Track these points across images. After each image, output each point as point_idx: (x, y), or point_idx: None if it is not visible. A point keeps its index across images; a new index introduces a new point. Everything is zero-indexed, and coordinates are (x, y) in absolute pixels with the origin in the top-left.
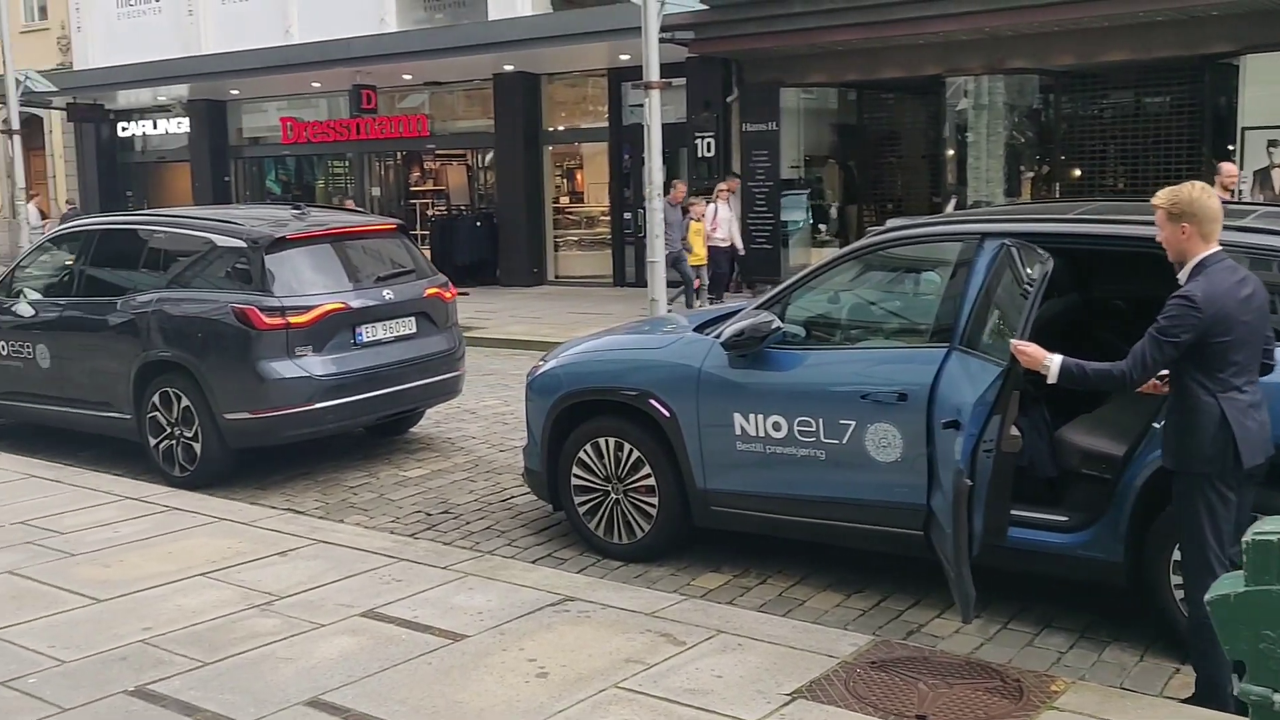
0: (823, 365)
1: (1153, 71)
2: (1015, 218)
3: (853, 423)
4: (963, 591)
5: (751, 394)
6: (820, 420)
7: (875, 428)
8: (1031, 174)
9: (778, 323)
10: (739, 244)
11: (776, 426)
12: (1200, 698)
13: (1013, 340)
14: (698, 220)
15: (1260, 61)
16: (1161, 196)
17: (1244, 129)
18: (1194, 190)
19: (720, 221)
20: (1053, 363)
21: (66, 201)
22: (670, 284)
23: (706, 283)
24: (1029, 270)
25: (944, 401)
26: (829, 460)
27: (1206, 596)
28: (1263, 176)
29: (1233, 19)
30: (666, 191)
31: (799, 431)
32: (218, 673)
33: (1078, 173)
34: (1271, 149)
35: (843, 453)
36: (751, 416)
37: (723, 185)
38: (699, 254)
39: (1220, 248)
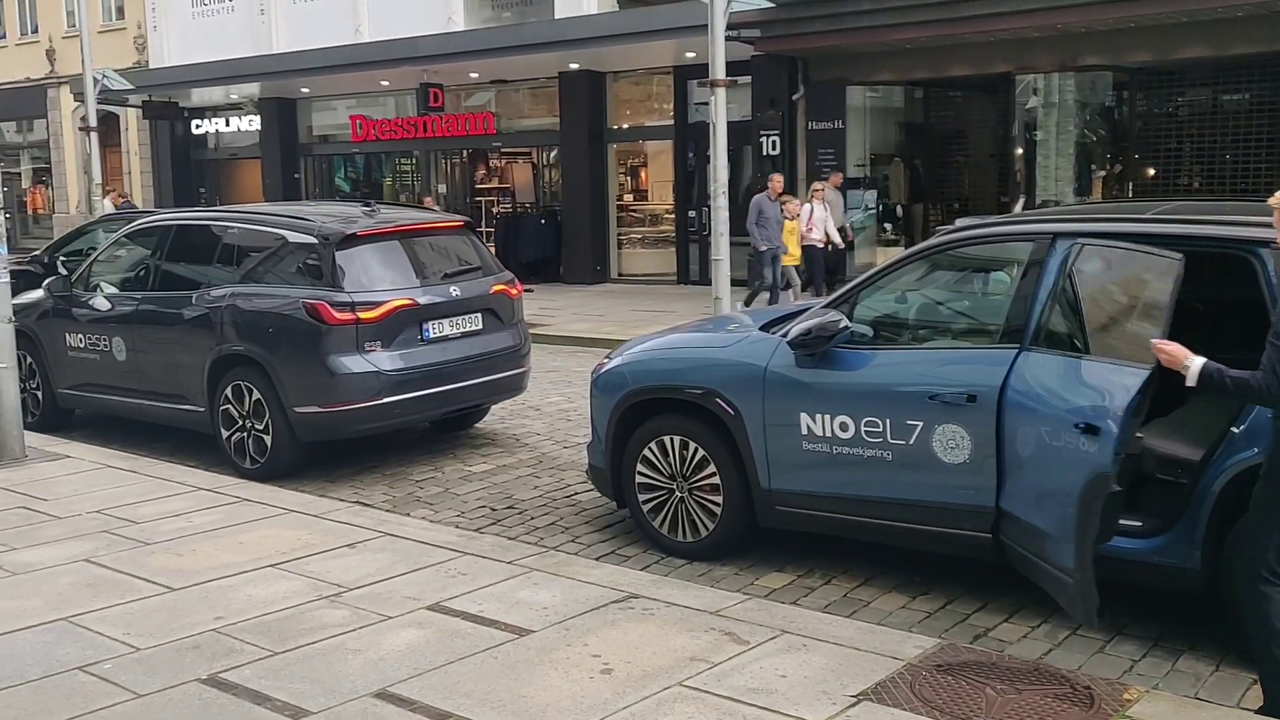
0: (890, 365)
1: (1231, 68)
2: (1088, 217)
3: (920, 423)
4: (1087, 598)
5: (818, 394)
6: (887, 421)
7: (943, 429)
8: (1103, 173)
9: (846, 322)
10: (839, 241)
11: (844, 426)
12: (1271, 708)
13: (1154, 339)
14: (791, 219)
15: None
16: (1278, 197)
17: None
18: None
19: (816, 221)
20: (1193, 364)
21: (120, 194)
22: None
23: (798, 284)
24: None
25: (1042, 401)
26: (896, 461)
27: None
28: None
29: None
30: (763, 186)
31: (866, 432)
32: (287, 662)
33: (1152, 172)
34: None
35: (910, 454)
36: (818, 416)
37: (817, 185)
38: (794, 254)
39: None
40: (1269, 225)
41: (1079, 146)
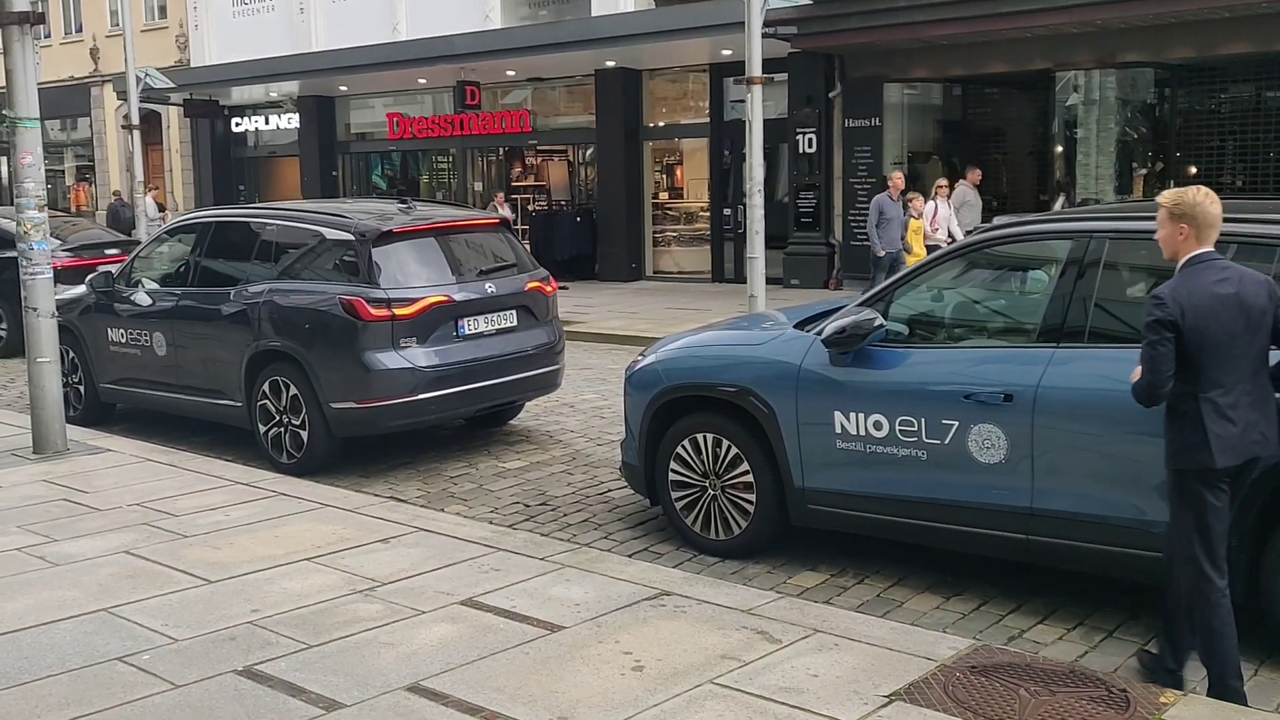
0: (926, 364)
1: (1274, 64)
2: (1125, 215)
3: (955, 423)
4: None
5: (852, 392)
6: (922, 420)
7: (978, 428)
8: (1144, 171)
9: (880, 320)
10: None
11: (878, 425)
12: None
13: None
14: (916, 218)
15: None
16: (1166, 196)
17: None
18: (1198, 194)
19: (940, 220)
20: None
21: (114, 193)
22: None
23: None
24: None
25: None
26: (930, 461)
27: None
28: None
29: None
30: (883, 187)
31: (900, 431)
32: (322, 655)
33: (1194, 170)
34: None
35: (945, 453)
36: (852, 415)
37: (941, 182)
38: (918, 253)
39: (1212, 249)
40: None
41: (1119, 144)
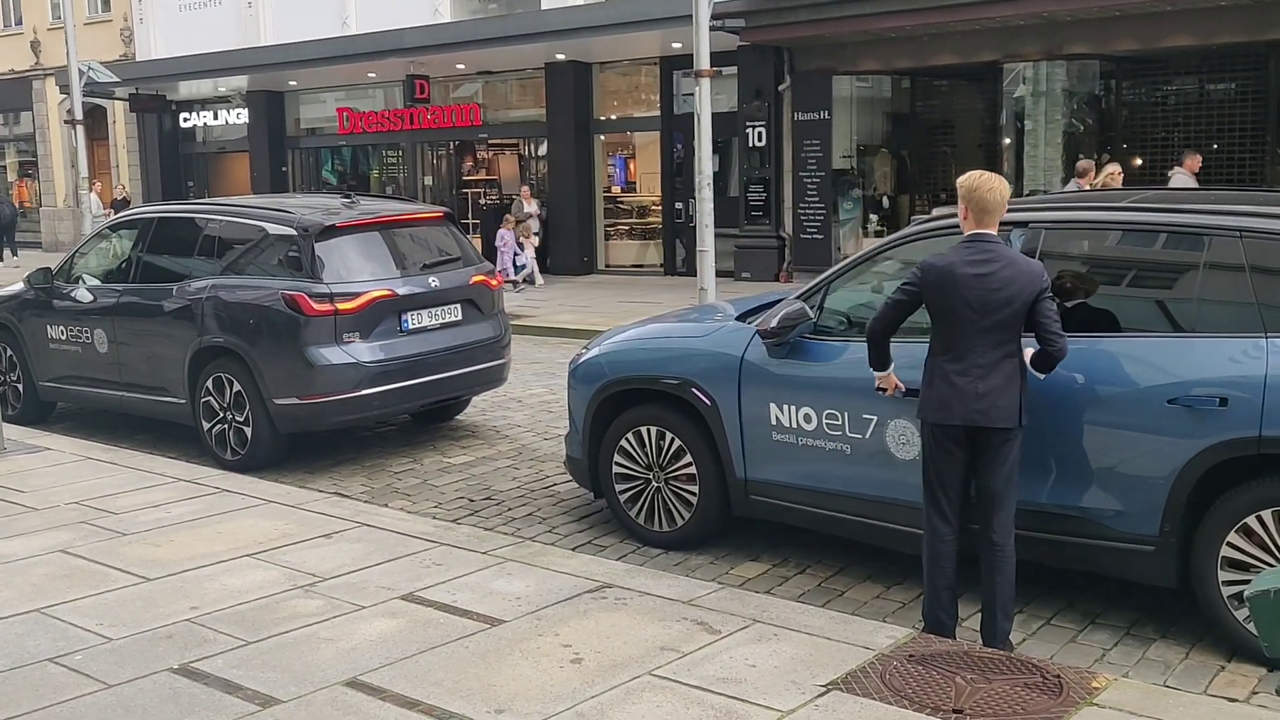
0: (851, 358)
1: (1217, 57)
2: (1057, 206)
3: (874, 418)
4: None
5: (786, 385)
6: (846, 414)
7: (895, 424)
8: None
9: (808, 312)
10: None
11: (807, 418)
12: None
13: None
14: None
15: None
16: (960, 179)
17: None
18: (979, 179)
19: None
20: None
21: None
22: None
23: None
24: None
25: None
26: (854, 455)
27: (1246, 592)
28: None
29: None
30: (834, 180)
31: (827, 425)
32: (260, 652)
33: (1139, 161)
34: None
35: (866, 448)
36: (785, 407)
37: (1113, 169)
38: None
39: (991, 233)
40: (1239, 213)
41: (1066, 135)
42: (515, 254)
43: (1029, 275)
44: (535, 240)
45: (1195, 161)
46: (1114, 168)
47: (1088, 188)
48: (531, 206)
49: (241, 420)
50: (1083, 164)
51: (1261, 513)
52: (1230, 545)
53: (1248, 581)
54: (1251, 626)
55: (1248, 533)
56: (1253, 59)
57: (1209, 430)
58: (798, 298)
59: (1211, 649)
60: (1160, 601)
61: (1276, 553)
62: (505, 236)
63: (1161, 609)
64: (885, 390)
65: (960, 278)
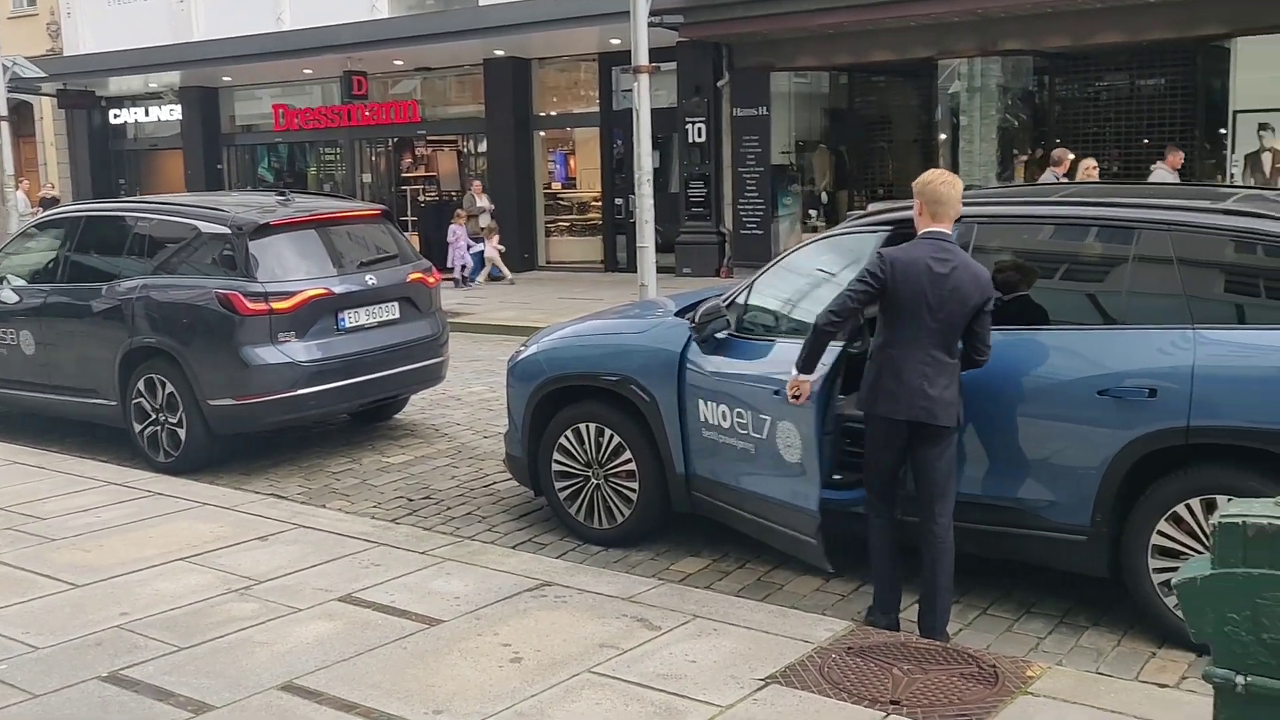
0: (759, 356)
1: (1146, 54)
2: (990, 200)
3: (768, 418)
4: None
5: (710, 381)
6: (750, 413)
7: (782, 425)
8: (1025, 157)
9: (721, 308)
10: None
11: (724, 416)
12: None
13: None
14: None
15: (1251, 45)
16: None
17: (1235, 112)
18: (932, 174)
19: None
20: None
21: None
22: None
23: None
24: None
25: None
26: (756, 455)
27: (1174, 580)
28: (1253, 160)
29: (1224, 2)
30: (772, 175)
31: (736, 423)
32: (193, 657)
33: (1072, 157)
34: (1262, 132)
35: (763, 448)
36: (710, 404)
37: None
38: None
39: (949, 231)
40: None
41: (1001, 131)
42: (468, 248)
43: (980, 282)
44: (496, 236)
45: (1178, 158)
46: (1090, 162)
47: (1063, 177)
48: (483, 201)
49: (174, 422)
50: (1058, 152)
51: (1190, 501)
52: (1160, 534)
53: (1177, 569)
54: (1181, 613)
55: (1177, 521)
56: (1181, 55)
57: (1138, 421)
58: (725, 295)
59: (1143, 636)
60: (1093, 590)
61: (1205, 540)
62: (457, 232)
63: (1094, 597)
64: (798, 397)
65: (925, 274)
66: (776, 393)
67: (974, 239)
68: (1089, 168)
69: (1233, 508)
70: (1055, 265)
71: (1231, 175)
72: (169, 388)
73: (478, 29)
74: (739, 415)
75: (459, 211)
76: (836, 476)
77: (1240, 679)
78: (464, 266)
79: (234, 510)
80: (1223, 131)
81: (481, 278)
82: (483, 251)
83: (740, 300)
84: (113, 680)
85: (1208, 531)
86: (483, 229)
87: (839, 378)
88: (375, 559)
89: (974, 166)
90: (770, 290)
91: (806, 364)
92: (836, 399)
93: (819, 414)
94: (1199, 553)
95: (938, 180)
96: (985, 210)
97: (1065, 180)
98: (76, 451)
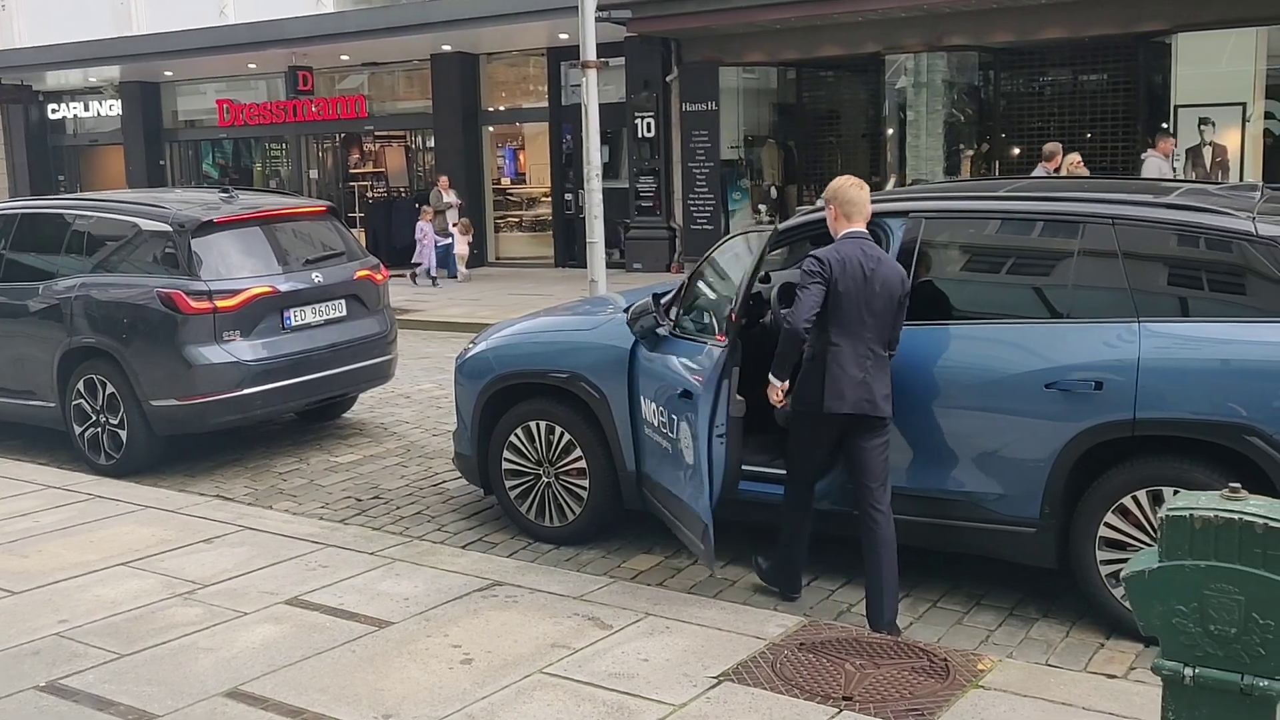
0: (676, 354)
1: (1089, 49)
2: (936, 195)
3: (676, 417)
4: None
5: (645, 379)
6: (666, 412)
7: (681, 425)
8: (971, 152)
9: (652, 306)
10: None
11: (654, 414)
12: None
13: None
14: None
15: (1191, 41)
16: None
17: (1176, 107)
18: (844, 182)
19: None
20: (772, 379)
21: None
22: None
23: None
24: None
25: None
26: (671, 454)
27: (1123, 573)
28: (1194, 154)
29: None
30: (722, 170)
31: (660, 421)
32: (135, 664)
33: (1016, 151)
34: (1202, 127)
35: (675, 448)
36: (647, 402)
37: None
38: None
39: (863, 229)
40: (1111, 201)
41: (947, 126)
42: (436, 245)
43: (899, 277)
44: (471, 233)
45: (1169, 144)
46: (1075, 157)
47: (1054, 171)
48: (450, 196)
49: (116, 423)
50: (1050, 147)
51: (1137, 493)
52: (1107, 525)
53: (1125, 561)
54: (1129, 604)
55: (1124, 513)
56: (1123, 51)
57: (1085, 413)
58: (669, 292)
59: (1091, 627)
60: (1042, 582)
61: (1151, 532)
62: (424, 228)
63: (1043, 589)
64: (778, 404)
65: (863, 271)
66: (682, 394)
67: (921, 234)
68: (1074, 163)
69: (1180, 501)
70: (1002, 260)
71: (1174, 169)
72: (109, 388)
73: (426, 24)
74: (661, 414)
75: (425, 208)
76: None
77: (1188, 670)
78: (427, 267)
79: (178, 513)
80: (1164, 126)
81: (463, 273)
82: (450, 246)
83: (677, 297)
84: (51, 690)
85: (1154, 523)
86: (455, 225)
87: (730, 379)
88: (323, 560)
89: (920, 161)
90: (699, 288)
91: (781, 369)
92: (733, 399)
93: (708, 415)
94: (1146, 544)
95: (848, 185)
96: (931, 205)
97: (1055, 175)
98: (15, 455)
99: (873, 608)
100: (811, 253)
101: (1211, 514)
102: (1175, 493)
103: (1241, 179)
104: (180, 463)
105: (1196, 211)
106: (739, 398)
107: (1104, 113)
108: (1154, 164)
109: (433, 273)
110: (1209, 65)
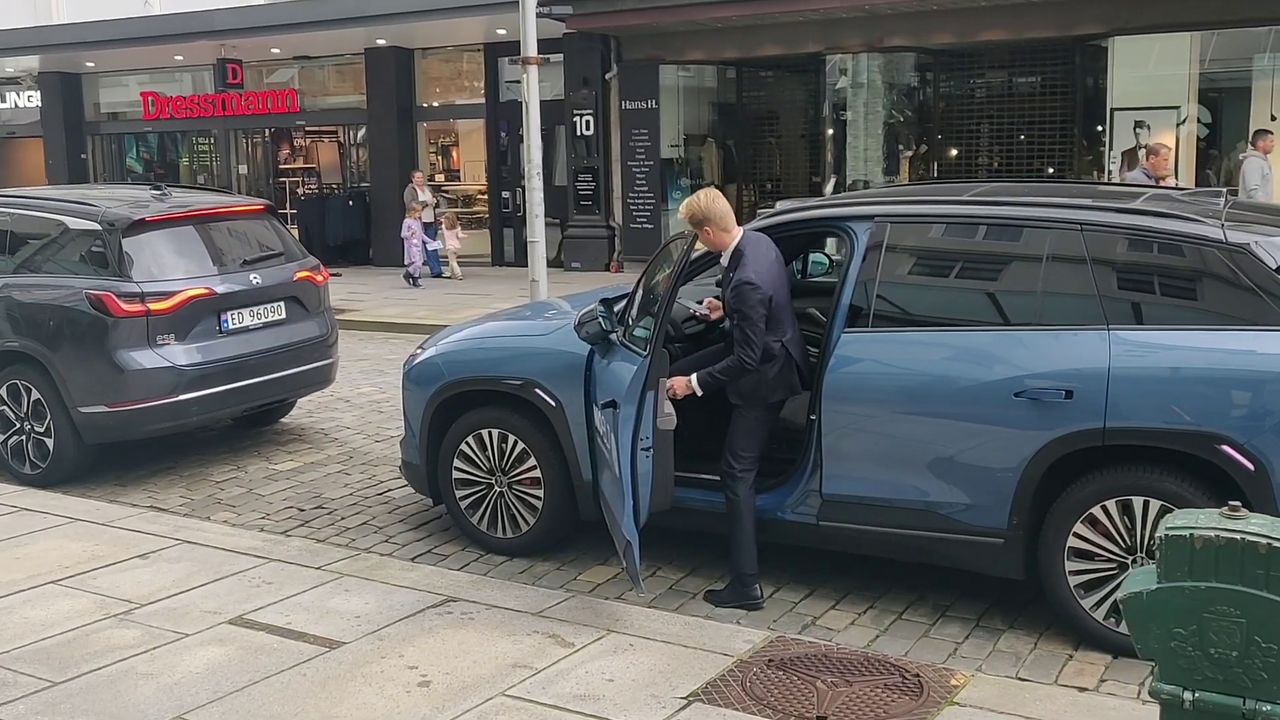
0: (624, 362)
1: (1028, 52)
2: (902, 199)
3: (608, 428)
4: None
5: (597, 386)
6: (605, 422)
7: (610, 439)
8: (910, 153)
9: (598, 313)
10: None
11: (600, 422)
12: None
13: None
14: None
15: (1127, 44)
16: (681, 211)
17: (1113, 110)
18: (704, 198)
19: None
20: (693, 381)
21: None
22: None
23: None
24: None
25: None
26: (609, 465)
27: (1120, 594)
28: (1130, 157)
29: (1103, 1)
30: (661, 169)
31: (603, 430)
32: (69, 693)
33: (954, 152)
34: (1138, 130)
35: (612, 459)
36: (596, 410)
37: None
38: None
39: (741, 231)
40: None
41: (887, 127)
42: (424, 244)
43: (784, 266)
44: (459, 228)
45: (1269, 142)
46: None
47: (1158, 176)
48: (425, 194)
49: (42, 431)
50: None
51: (1106, 502)
52: (1076, 535)
53: (1094, 571)
54: (1099, 616)
55: (1093, 523)
56: (1061, 54)
57: (1055, 422)
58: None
59: (1058, 638)
60: (1006, 592)
61: (1120, 541)
62: (412, 226)
63: (1008, 599)
64: (677, 395)
65: (778, 268)
66: (610, 404)
67: (887, 238)
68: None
69: (1179, 520)
70: (969, 265)
71: (1110, 171)
72: (35, 394)
73: (360, 17)
74: (604, 424)
75: (414, 205)
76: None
77: (1188, 695)
78: (413, 268)
79: (110, 526)
80: (1100, 129)
81: (454, 270)
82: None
83: (630, 302)
84: None
85: (1124, 533)
86: (442, 220)
87: (658, 390)
88: (267, 576)
89: (860, 162)
90: (644, 293)
91: (709, 387)
92: (660, 412)
93: (631, 427)
94: (1115, 555)
95: (711, 199)
96: (897, 209)
97: (1158, 181)
98: None
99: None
100: (741, 280)
101: (1212, 534)
102: (1145, 503)
103: (1176, 181)
104: (111, 472)
105: (1165, 218)
106: (668, 412)
107: (1041, 115)
108: (1255, 165)
109: (415, 273)
110: (1144, 69)
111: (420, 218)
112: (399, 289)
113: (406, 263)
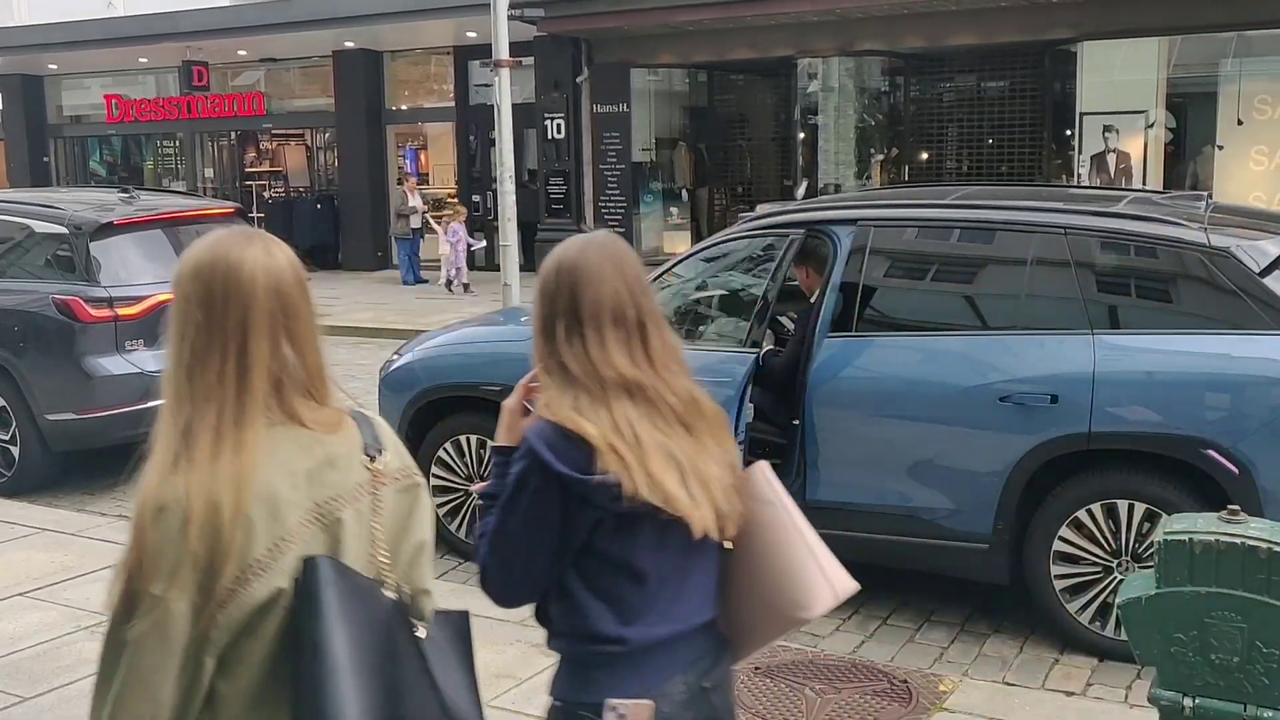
0: None
1: (998, 56)
2: (885, 204)
3: None
4: None
5: None
6: None
7: None
8: (881, 157)
9: None
10: None
11: None
12: None
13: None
14: None
15: (1096, 48)
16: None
17: (1082, 114)
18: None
19: None
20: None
21: None
22: None
23: None
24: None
25: None
26: None
27: (1119, 599)
28: (1099, 161)
29: (1072, 6)
30: (634, 172)
31: None
32: (40, 709)
33: (925, 156)
34: (1107, 134)
35: None
36: None
37: None
38: None
39: None
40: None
41: (858, 131)
42: (469, 248)
43: None
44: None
45: None
46: None
47: None
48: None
49: (7, 439)
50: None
51: (1091, 506)
52: (1061, 539)
53: (1079, 575)
54: (1084, 619)
55: (1078, 526)
56: (1030, 58)
57: (1040, 427)
58: None
59: (1043, 642)
60: (990, 596)
61: (1105, 545)
62: (459, 231)
63: (991, 604)
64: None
65: None
66: None
67: (870, 243)
68: None
69: (1178, 524)
70: (953, 270)
71: (1079, 175)
72: (0, 402)
73: (328, 19)
74: None
75: (459, 207)
76: None
77: (1188, 701)
78: (451, 274)
79: (78, 536)
80: (1069, 133)
81: (445, 278)
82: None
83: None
84: None
85: (1109, 537)
86: (443, 218)
87: None
88: None
89: (831, 165)
90: (678, 294)
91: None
92: None
93: None
94: (1100, 558)
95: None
96: (881, 213)
97: None
98: None
99: None
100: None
101: (1212, 538)
102: (1130, 506)
103: (1145, 185)
104: (77, 480)
105: (1149, 222)
106: None
107: (1011, 119)
108: None
109: (459, 278)
110: (1113, 74)
111: (435, 222)
112: (372, 293)
113: (446, 270)
